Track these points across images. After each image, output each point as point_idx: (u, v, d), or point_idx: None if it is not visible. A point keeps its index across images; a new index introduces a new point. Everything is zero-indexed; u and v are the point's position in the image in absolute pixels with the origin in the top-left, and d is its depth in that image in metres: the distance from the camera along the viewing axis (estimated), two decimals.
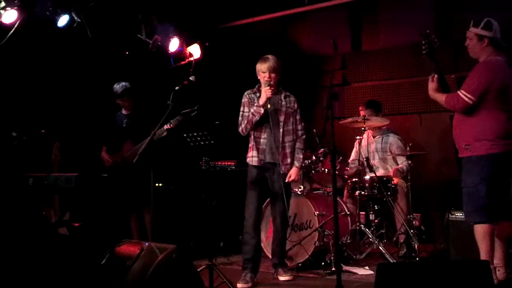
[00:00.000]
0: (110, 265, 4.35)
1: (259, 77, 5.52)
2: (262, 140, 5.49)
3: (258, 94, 5.51)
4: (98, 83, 7.10)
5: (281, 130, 5.49)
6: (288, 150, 5.51)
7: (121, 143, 6.47)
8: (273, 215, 5.66)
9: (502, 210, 4.77)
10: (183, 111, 5.56)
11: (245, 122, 5.46)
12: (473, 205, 4.75)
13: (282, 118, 5.51)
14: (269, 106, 5.36)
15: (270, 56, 5.49)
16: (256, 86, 5.59)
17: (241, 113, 5.54)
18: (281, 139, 5.49)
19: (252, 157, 5.52)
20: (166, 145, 6.15)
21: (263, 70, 5.45)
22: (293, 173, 5.50)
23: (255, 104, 5.44)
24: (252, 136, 5.54)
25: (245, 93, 5.60)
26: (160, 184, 6.74)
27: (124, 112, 6.66)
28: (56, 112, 6.81)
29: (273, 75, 5.43)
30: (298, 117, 5.63)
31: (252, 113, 5.42)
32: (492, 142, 4.68)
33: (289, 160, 5.51)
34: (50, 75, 6.83)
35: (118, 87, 6.54)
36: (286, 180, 5.48)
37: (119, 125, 6.61)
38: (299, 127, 5.63)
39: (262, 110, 5.38)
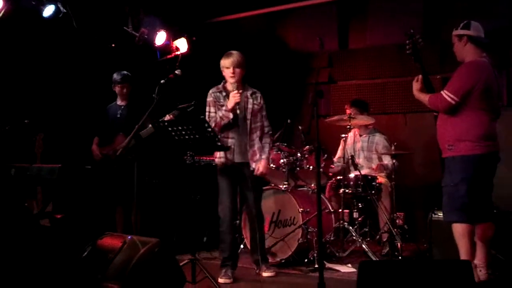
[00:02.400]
0: (92, 258, 4.34)
1: (223, 74, 5.46)
2: (230, 140, 5.40)
3: (224, 93, 5.45)
4: (83, 75, 7.05)
5: (248, 128, 5.44)
6: (256, 146, 5.45)
7: (113, 135, 6.41)
8: (247, 212, 5.66)
9: (484, 211, 4.79)
10: (179, 106, 5.55)
11: (213, 125, 5.31)
12: (452, 205, 4.77)
13: (249, 116, 5.44)
14: (238, 111, 5.31)
15: (233, 52, 5.43)
16: (221, 83, 5.53)
17: (207, 113, 5.46)
18: (248, 137, 5.44)
19: (220, 158, 5.46)
20: (151, 139, 6.12)
21: (226, 65, 5.39)
22: (261, 165, 5.41)
23: (224, 108, 5.36)
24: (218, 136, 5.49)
25: (210, 92, 5.51)
26: (146, 178, 6.69)
27: (119, 102, 6.60)
28: (40, 103, 6.74)
29: (237, 70, 5.36)
30: (264, 113, 5.55)
31: (221, 117, 5.34)
32: (475, 143, 4.70)
33: (258, 156, 5.45)
34: (34, 66, 6.76)
35: (117, 74, 6.50)
36: (255, 173, 5.41)
37: (113, 116, 6.54)
38: (266, 123, 5.56)
39: (231, 115, 5.32)
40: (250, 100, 5.49)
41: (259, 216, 5.63)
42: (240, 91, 5.34)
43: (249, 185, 5.46)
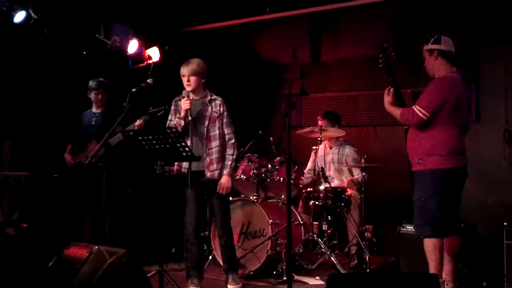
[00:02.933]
0: (57, 268, 4.27)
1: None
2: None
3: None
4: (53, 82, 6.97)
5: (205, 135, 5.37)
6: (214, 156, 5.35)
7: (86, 142, 6.32)
8: (214, 222, 5.63)
9: (452, 225, 4.83)
10: (150, 111, 5.51)
11: None
12: (423, 219, 4.80)
13: (206, 123, 5.37)
14: (189, 118, 5.26)
15: (192, 59, 5.40)
16: (183, 92, 5.49)
17: (168, 122, 5.47)
18: (205, 145, 5.37)
19: (176, 167, 5.44)
20: (121, 148, 6.07)
21: (183, 73, 5.36)
22: (222, 182, 5.35)
23: (177, 116, 5.37)
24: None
25: (173, 100, 5.52)
26: (123, 189, 6.62)
27: (94, 110, 6.52)
28: (9, 109, 6.65)
29: (193, 78, 5.32)
30: (225, 120, 5.43)
31: (174, 125, 5.33)
32: (445, 157, 4.74)
33: (215, 166, 5.35)
34: (3, 72, 6.66)
35: (93, 80, 6.45)
36: (218, 190, 5.36)
37: (87, 124, 6.46)
38: (227, 130, 5.43)
39: (182, 123, 5.30)
40: (209, 108, 5.42)
41: (224, 225, 5.53)
42: (191, 98, 5.31)
43: (210, 194, 5.43)
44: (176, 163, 5.43)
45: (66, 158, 6.43)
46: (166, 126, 5.40)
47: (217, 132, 5.39)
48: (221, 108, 5.44)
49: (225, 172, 5.38)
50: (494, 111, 6.85)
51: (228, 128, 5.45)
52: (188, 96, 5.30)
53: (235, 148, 5.48)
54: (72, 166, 6.36)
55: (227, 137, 5.44)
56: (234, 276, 5.51)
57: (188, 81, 5.33)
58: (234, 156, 5.46)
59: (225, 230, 5.56)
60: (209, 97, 5.46)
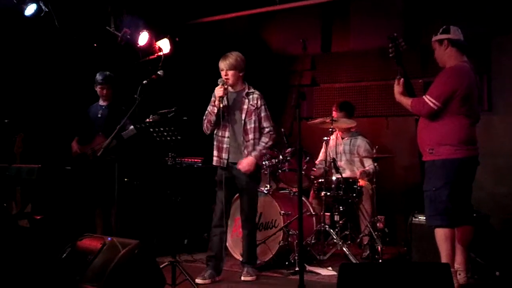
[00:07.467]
0: (71, 259, 4.31)
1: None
2: (225, 139, 5.42)
3: None
4: (64, 74, 7.00)
5: (242, 128, 5.42)
6: (250, 149, 5.40)
7: (93, 134, 6.37)
8: (240, 213, 5.65)
9: (464, 215, 4.82)
10: (160, 111, 5.51)
11: (205, 121, 5.45)
12: (434, 209, 4.79)
13: (243, 116, 5.41)
14: (221, 105, 5.29)
15: (230, 53, 5.43)
16: (219, 80, 5.50)
17: (206, 111, 5.52)
18: (242, 137, 5.42)
19: (214, 157, 5.48)
20: (133, 139, 6.09)
21: (221, 67, 5.40)
22: (244, 161, 5.34)
23: (211, 103, 5.42)
24: (215, 135, 5.51)
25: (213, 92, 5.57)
26: (126, 179, 6.65)
27: (101, 102, 6.56)
28: (21, 102, 6.68)
29: (230, 72, 5.36)
30: (263, 114, 5.47)
31: (209, 112, 5.39)
32: (456, 147, 4.72)
33: None
34: (15, 65, 6.70)
35: (99, 74, 6.48)
36: (237, 167, 5.37)
37: (94, 116, 6.51)
38: (265, 124, 5.46)
39: (215, 110, 5.34)
40: (246, 100, 5.45)
41: (248, 218, 5.57)
42: (225, 86, 5.33)
43: (241, 186, 5.46)
44: (215, 153, 5.47)
45: (73, 146, 6.46)
46: (204, 115, 5.48)
47: (253, 125, 5.43)
48: (258, 102, 5.47)
49: (252, 154, 5.38)
50: (506, 101, 6.81)
51: (266, 122, 5.48)
52: (223, 84, 5.32)
53: (273, 139, 5.51)
54: (77, 155, 6.39)
55: (266, 130, 5.47)
56: (249, 269, 5.53)
57: (226, 75, 5.36)
58: (267, 145, 5.48)
59: (249, 223, 5.59)
60: (246, 90, 5.50)
